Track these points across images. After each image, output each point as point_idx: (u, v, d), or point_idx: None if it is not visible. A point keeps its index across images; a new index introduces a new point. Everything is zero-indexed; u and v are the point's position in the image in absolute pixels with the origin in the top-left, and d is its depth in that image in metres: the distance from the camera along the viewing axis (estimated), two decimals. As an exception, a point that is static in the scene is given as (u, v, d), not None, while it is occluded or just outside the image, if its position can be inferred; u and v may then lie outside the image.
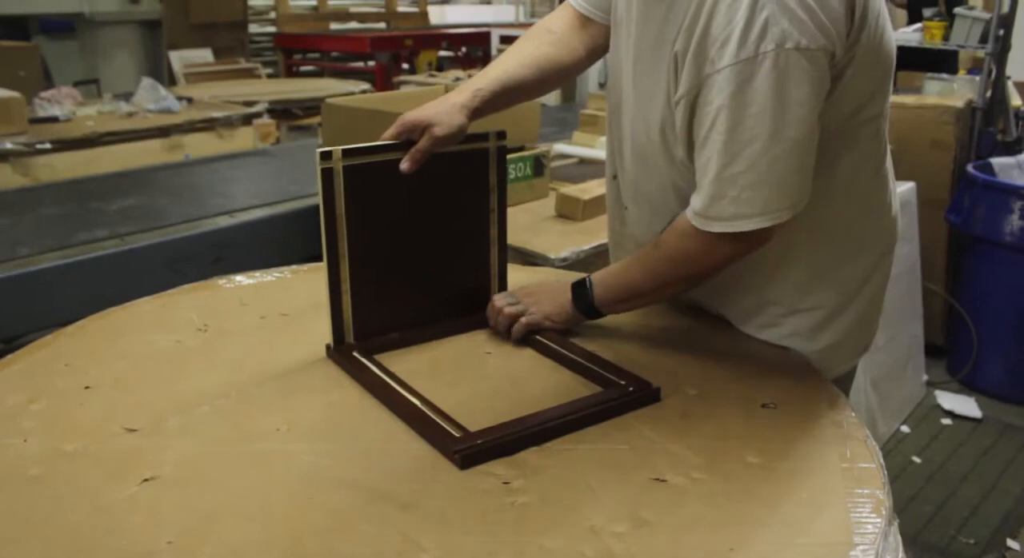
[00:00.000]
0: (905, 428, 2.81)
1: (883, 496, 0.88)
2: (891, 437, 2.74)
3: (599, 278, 1.18)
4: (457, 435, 0.96)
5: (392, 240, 1.19)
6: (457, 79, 5.53)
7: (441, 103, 1.16)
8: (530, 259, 1.88)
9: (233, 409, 1.05)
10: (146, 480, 0.90)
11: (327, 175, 1.11)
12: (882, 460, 0.95)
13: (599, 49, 1.28)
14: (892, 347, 2.74)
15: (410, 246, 1.21)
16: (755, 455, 0.96)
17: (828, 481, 0.91)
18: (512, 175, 2.21)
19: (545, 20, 1.30)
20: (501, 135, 1.24)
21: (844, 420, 1.03)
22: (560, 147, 2.74)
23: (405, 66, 6.77)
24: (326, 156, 1.11)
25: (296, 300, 1.37)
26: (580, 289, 1.19)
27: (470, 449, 0.93)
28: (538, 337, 1.21)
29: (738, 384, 1.12)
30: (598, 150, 2.68)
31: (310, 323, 1.27)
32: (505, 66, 1.22)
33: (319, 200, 1.12)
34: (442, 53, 7.13)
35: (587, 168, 2.56)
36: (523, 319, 1.21)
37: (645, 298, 1.18)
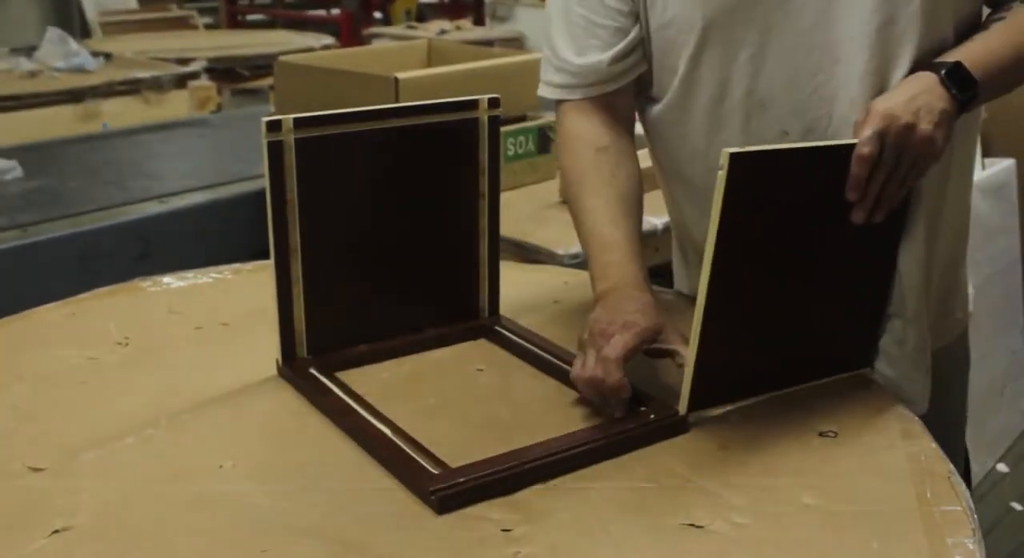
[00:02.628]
0: (1002, 467, 2.81)
1: (974, 546, 0.89)
2: (985, 478, 2.75)
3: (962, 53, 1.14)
4: (435, 472, 0.96)
5: (356, 231, 1.20)
6: (443, 31, 5.55)
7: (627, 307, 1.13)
8: (532, 255, 1.89)
9: (164, 442, 1.06)
10: (56, 531, 0.90)
11: (275, 150, 1.12)
12: (971, 503, 0.96)
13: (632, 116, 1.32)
14: (985, 366, 2.74)
15: (379, 239, 1.22)
16: (811, 495, 0.97)
17: (904, 528, 0.92)
18: (510, 152, 2.22)
19: (572, 140, 1.28)
20: (494, 102, 1.24)
21: (922, 452, 1.04)
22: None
23: (377, 15, 6.78)
24: (274, 126, 1.11)
25: (239, 306, 1.38)
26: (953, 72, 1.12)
27: (451, 489, 0.94)
28: (539, 351, 1.22)
29: (788, 407, 1.12)
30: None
31: (257, 335, 1.27)
32: (617, 238, 1.20)
33: (265, 181, 1.12)
34: (423, -2, 7.15)
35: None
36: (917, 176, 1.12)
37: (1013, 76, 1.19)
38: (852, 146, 1.07)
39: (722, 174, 0.98)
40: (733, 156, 0.98)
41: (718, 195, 0.98)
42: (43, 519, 0.91)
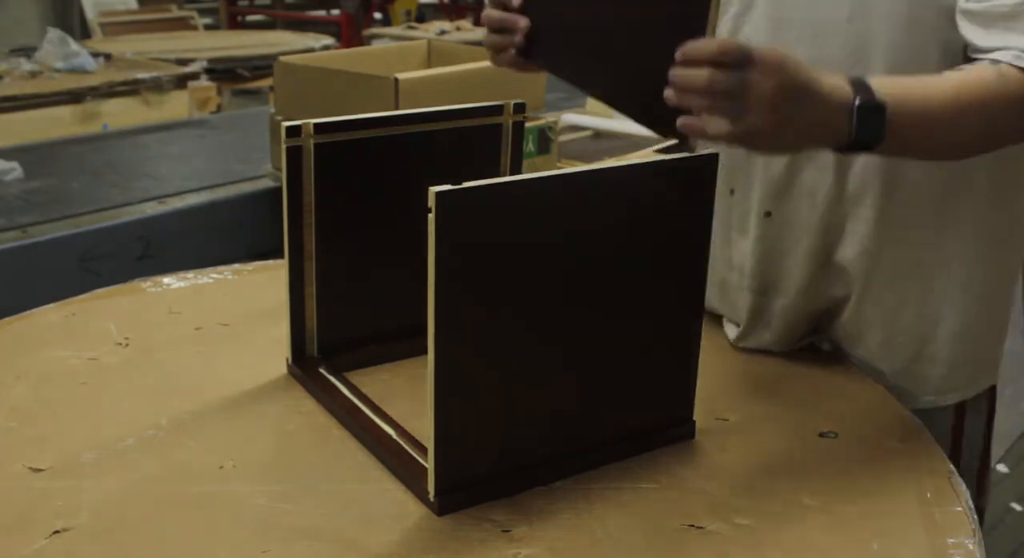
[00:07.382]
0: (1002, 467, 2.81)
1: (974, 547, 0.89)
2: (985, 478, 2.75)
3: (886, 86, 0.96)
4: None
5: (372, 234, 1.20)
6: (442, 32, 5.55)
7: None
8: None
9: (164, 442, 1.06)
10: (57, 532, 0.90)
11: (294, 155, 1.11)
12: (971, 503, 0.96)
13: None
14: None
15: (394, 242, 1.21)
16: (812, 496, 0.97)
17: (904, 528, 0.92)
18: (510, 151, 2.21)
19: None
20: (520, 107, 1.23)
21: (922, 452, 1.04)
22: (570, 117, 2.75)
23: (377, 15, 6.79)
24: (293, 131, 1.11)
25: (239, 307, 1.38)
26: (863, 93, 0.94)
27: (452, 490, 0.94)
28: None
29: (789, 409, 1.13)
30: (616, 121, 2.68)
31: (258, 335, 1.27)
32: None
33: (283, 184, 1.12)
34: (423, -1, 7.16)
35: (603, 143, 2.57)
36: (726, 126, 0.90)
37: (940, 133, 1.01)
38: (585, 173, 0.93)
39: (432, 218, 0.84)
40: (440, 195, 0.83)
41: (431, 244, 0.85)
42: (43, 519, 0.91)
